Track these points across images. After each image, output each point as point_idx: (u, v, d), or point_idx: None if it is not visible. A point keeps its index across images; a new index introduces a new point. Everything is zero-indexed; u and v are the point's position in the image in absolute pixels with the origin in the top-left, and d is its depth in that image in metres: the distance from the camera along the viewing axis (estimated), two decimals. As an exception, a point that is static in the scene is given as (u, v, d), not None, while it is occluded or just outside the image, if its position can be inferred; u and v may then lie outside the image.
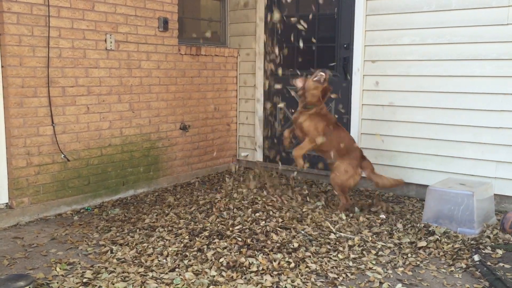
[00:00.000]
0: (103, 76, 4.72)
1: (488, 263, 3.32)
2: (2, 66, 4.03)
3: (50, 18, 4.24)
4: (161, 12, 5.20)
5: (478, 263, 3.32)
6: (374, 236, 3.84)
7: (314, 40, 5.61)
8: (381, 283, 3.09)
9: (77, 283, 2.99)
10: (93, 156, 4.71)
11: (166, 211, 4.33)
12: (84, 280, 3.03)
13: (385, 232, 3.93)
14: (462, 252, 3.55)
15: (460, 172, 4.75)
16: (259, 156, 6.22)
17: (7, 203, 4.18)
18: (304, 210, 4.27)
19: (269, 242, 3.54)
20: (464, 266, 3.34)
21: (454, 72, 4.72)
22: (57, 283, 3.00)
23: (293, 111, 5.82)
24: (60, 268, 3.22)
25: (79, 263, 3.31)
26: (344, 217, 4.16)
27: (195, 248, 3.45)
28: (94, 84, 4.65)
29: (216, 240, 3.55)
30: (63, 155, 4.44)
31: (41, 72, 4.24)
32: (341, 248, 3.54)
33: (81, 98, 4.56)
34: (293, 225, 3.85)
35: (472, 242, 3.69)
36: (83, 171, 4.64)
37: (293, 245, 3.48)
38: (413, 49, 4.91)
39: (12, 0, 3.99)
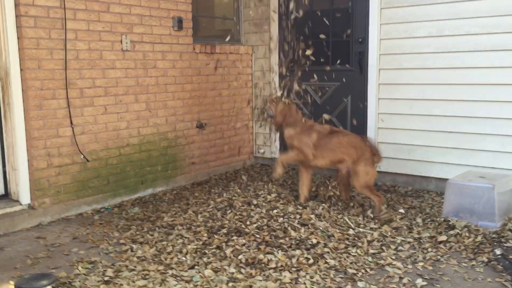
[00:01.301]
0: (120, 77, 4.77)
1: (510, 257, 3.28)
2: (21, 70, 4.10)
3: (66, 21, 4.29)
4: (176, 12, 5.22)
5: (500, 256, 3.27)
6: (394, 231, 3.81)
7: (328, 35, 5.59)
8: (400, 278, 3.07)
9: (98, 282, 3.03)
10: (111, 156, 4.76)
11: (185, 209, 4.35)
12: (106, 278, 3.08)
13: (405, 227, 3.90)
14: (483, 246, 3.50)
15: (480, 165, 4.68)
16: (275, 153, 6.22)
17: (29, 204, 4.26)
18: (322, 206, 4.26)
19: (287, 238, 3.54)
20: (485, 260, 3.30)
21: (471, 63, 4.65)
22: (79, 281, 3.05)
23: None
24: (82, 267, 3.27)
25: (100, 262, 3.36)
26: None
27: (214, 246, 3.47)
28: (111, 85, 4.70)
29: (235, 237, 3.56)
30: (82, 156, 4.50)
31: (59, 74, 4.30)
32: (360, 244, 3.52)
33: (98, 99, 4.61)
34: (312, 221, 3.84)
35: (494, 235, 3.64)
36: (102, 171, 4.70)
37: (311, 241, 3.48)
38: (430, 41, 4.85)
39: (29, 3, 4.05)
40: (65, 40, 4.30)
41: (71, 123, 4.40)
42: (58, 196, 4.38)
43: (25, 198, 4.23)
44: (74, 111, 4.43)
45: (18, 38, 4.06)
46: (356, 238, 3.61)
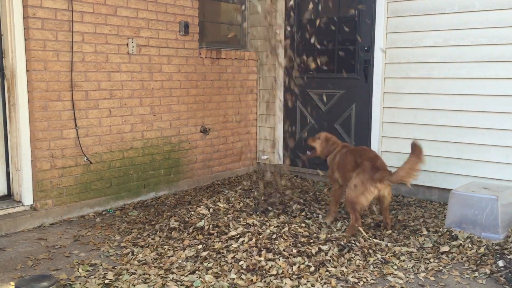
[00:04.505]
0: (125, 80, 4.79)
1: (513, 269, 3.26)
2: (27, 71, 4.12)
3: (73, 23, 4.31)
4: (182, 16, 5.25)
5: (502, 268, 3.25)
6: (396, 240, 3.79)
7: (334, 43, 5.60)
8: (402, 288, 3.05)
9: (98, 284, 3.03)
10: (115, 159, 4.77)
11: (187, 214, 4.34)
12: (106, 281, 3.07)
13: (407, 237, 3.87)
14: (486, 257, 3.48)
15: (484, 176, 4.66)
16: (279, 159, 6.21)
17: (31, 205, 4.26)
18: (323, 213, 4.24)
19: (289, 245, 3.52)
20: (488, 271, 3.28)
21: (477, 74, 4.64)
22: (80, 284, 3.04)
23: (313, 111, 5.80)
24: (82, 269, 3.26)
25: (101, 265, 3.35)
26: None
27: (215, 251, 3.46)
28: (116, 88, 4.72)
29: (236, 243, 3.55)
30: (86, 158, 4.51)
31: (65, 76, 4.32)
32: (362, 252, 3.50)
33: (103, 102, 4.62)
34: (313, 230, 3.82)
35: (497, 247, 3.62)
36: (106, 174, 4.70)
37: (313, 249, 3.46)
38: (436, 51, 4.84)
39: (37, 5, 4.08)
40: (71, 43, 4.32)
41: (76, 125, 4.41)
42: (61, 197, 4.38)
43: (27, 199, 4.23)
44: (79, 113, 4.44)
45: (25, 39, 4.08)
46: (357, 247, 3.59)
